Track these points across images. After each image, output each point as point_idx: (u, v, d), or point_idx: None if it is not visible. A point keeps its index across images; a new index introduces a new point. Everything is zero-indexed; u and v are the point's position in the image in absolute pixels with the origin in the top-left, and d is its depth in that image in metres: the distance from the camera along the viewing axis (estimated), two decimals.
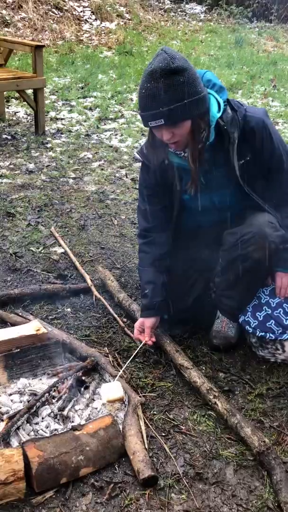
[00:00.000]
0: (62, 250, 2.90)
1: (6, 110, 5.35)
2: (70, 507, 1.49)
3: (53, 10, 9.21)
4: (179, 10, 12.26)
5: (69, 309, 2.41)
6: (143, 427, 1.74)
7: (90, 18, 9.61)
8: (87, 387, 1.89)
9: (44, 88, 4.85)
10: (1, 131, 4.80)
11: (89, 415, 1.77)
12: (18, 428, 1.66)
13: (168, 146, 1.82)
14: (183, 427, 1.79)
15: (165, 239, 2.12)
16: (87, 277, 2.59)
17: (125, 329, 2.26)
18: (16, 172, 3.98)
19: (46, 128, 4.87)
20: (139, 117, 1.78)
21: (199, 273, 2.22)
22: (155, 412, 1.84)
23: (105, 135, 4.91)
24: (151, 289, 2.06)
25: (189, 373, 1.93)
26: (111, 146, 4.63)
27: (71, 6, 9.53)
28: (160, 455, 1.68)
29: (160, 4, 11.99)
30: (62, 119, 5.30)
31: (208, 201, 2.01)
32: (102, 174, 4.03)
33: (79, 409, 1.80)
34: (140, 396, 1.87)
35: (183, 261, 2.19)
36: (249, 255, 1.93)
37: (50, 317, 2.34)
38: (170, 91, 1.63)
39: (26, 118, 5.27)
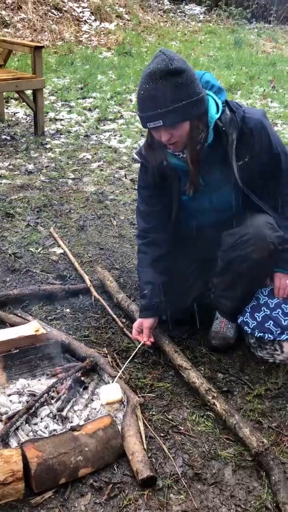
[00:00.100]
0: (61, 251, 2.91)
1: (6, 110, 5.35)
2: (69, 508, 1.50)
3: (53, 11, 9.22)
4: (178, 11, 12.27)
5: (68, 310, 2.42)
6: (142, 428, 1.74)
7: (90, 19, 9.61)
8: (86, 388, 1.89)
9: (44, 89, 4.85)
10: (0, 132, 4.80)
11: (88, 415, 1.78)
12: (17, 429, 1.66)
13: (166, 147, 1.82)
14: (182, 428, 1.79)
15: (164, 240, 2.12)
16: (86, 278, 2.59)
17: (124, 329, 2.26)
18: (15, 172, 3.98)
19: (45, 129, 4.87)
20: (138, 118, 1.79)
21: (198, 274, 2.22)
22: (154, 413, 1.84)
23: (104, 136, 4.91)
24: (149, 289, 2.06)
25: (188, 373, 1.93)
26: (110, 147, 4.63)
27: (71, 7, 9.54)
28: (159, 455, 1.68)
29: (160, 5, 12.00)
30: (61, 119, 5.30)
31: (207, 202, 2.02)
32: (101, 174, 4.04)
33: (78, 409, 1.80)
34: (139, 397, 1.87)
35: (182, 262, 2.20)
36: (247, 255, 1.93)
37: (49, 317, 2.35)
38: (168, 92, 1.64)
39: (26, 119, 5.27)
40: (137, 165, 3.94)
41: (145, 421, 1.79)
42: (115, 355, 2.12)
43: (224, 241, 2.02)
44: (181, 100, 1.66)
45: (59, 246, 2.96)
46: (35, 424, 1.72)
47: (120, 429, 1.69)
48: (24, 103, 4.98)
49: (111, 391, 1.80)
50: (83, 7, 9.76)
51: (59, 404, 1.77)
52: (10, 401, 1.80)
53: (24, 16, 8.77)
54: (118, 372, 1.92)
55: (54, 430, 1.69)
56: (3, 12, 8.64)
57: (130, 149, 4.58)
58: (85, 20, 9.54)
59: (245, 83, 7.11)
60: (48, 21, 8.92)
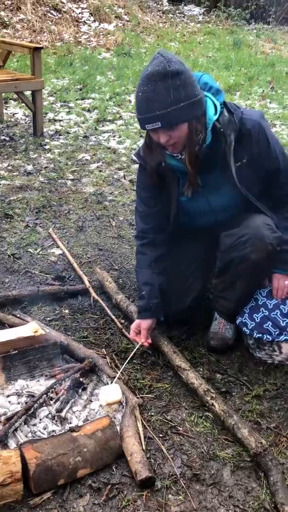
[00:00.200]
0: (60, 252, 2.91)
1: (5, 111, 5.36)
2: (68, 509, 1.50)
3: (52, 11, 9.22)
4: (177, 11, 12.29)
5: (67, 311, 2.42)
6: (140, 429, 1.74)
7: (89, 20, 9.62)
8: (84, 389, 1.90)
9: (43, 90, 4.86)
10: None
11: (86, 416, 1.78)
12: (15, 430, 1.67)
13: (165, 148, 1.83)
14: (181, 428, 1.79)
15: (163, 241, 2.13)
16: (85, 279, 2.59)
17: (123, 330, 2.26)
18: (14, 173, 3.98)
19: (44, 130, 4.87)
20: (136, 119, 1.80)
21: (197, 274, 2.22)
22: (152, 414, 1.84)
23: (103, 137, 4.92)
24: (148, 290, 2.07)
25: (187, 374, 1.93)
26: (109, 148, 4.64)
27: (70, 8, 9.55)
28: (157, 456, 1.68)
29: (159, 6, 12.02)
30: (60, 120, 5.31)
31: (205, 203, 2.02)
32: (100, 175, 4.04)
33: (77, 410, 1.80)
34: (137, 398, 1.87)
35: (181, 262, 2.20)
36: (246, 256, 1.94)
37: (48, 318, 2.35)
38: (166, 94, 1.65)
39: (25, 120, 5.27)
40: (136, 166, 3.94)
41: (143, 421, 1.79)
42: (114, 356, 2.12)
43: (222, 242, 2.03)
44: (179, 102, 1.66)
45: (58, 247, 2.96)
46: (34, 425, 1.72)
47: (118, 430, 1.69)
48: (23, 104, 4.98)
49: (110, 391, 1.81)
50: (82, 8, 9.76)
51: (58, 405, 1.77)
52: (9, 402, 1.80)
53: (23, 17, 8.78)
54: (117, 373, 1.92)
55: (53, 431, 1.69)
56: (2, 13, 8.64)
57: (129, 150, 4.59)
58: (84, 21, 9.55)
59: (244, 84, 7.11)
60: (47, 22, 8.93)
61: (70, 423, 1.73)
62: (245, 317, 2.09)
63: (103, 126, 5.25)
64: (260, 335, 2.04)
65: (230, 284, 2.06)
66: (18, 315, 2.29)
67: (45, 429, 1.70)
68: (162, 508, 1.51)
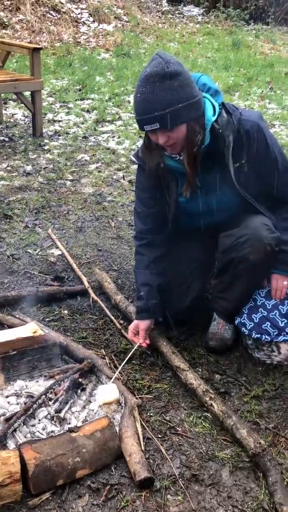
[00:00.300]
0: (59, 252, 2.91)
1: (4, 112, 5.36)
2: (67, 509, 1.50)
3: (51, 12, 9.22)
4: (176, 12, 12.30)
5: (66, 311, 2.42)
6: (139, 429, 1.74)
7: (88, 20, 9.62)
8: (83, 389, 1.90)
9: (42, 90, 4.86)
10: None
11: (85, 417, 1.78)
12: (14, 430, 1.67)
13: (163, 149, 1.83)
14: (179, 429, 1.79)
15: (162, 241, 2.13)
16: (84, 279, 2.59)
17: (122, 331, 2.26)
18: (14, 174, 3.98)
19: (44, 130, 4.88)
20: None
21: (196, 275, 2.22)
22: (151, 414, 1.85)
23: (103, 137, 4.92)
24: (146, 291, 2.07)
25: (185, 375, 1.94)
26: (109, 148, 4.64)
27: (69, 8, 9.55)
28: (156, 456, 1.69)
29: (158, 7, 12.02)
30: (59, 121, 5.31)
31: (204, 204, 2.02)
32: (99, 176, 4.04)
33: (76, 411, 1.80)
34: (136, 398, 1.87)
35: (180, 263, 2.20)
36: (244, 257, 1.94)
37: (47, 319, 2.35)
38: (165, 95, 1.65)
39: (24, 120, 5.28)
40: (135, 167, 3.94)
41: (142, 422, 1.79)
42: (113, 356, 2.12)
43: (221, 243, 2.03)
44: (177, 103, 1.66)
45: (57, 247, 2.96)
46: (33, 425, 1.72)
47: (117, 431, 1.69)
48: (23, 105, 4.98)
49: (108, 391, 1.81)
50: (82, 9, 9.77)
51: (57, 405, 1.77)
52: (8, 402, 1.80)
53: (22, 18, 8.78)
54: (116, 373, 1.92)
55: (52, 431, 1.69)
56: (1, 13, 8.64)
57: (128, 151, 4.59)
58: (83, 22, 9.56)
59: (243, 84, 7.12)
60: (46, 23, 8.93)
61: (69, 423, 1.73)
62: (243, 317, 2.09)
63: (102, 126, 5.25)
64: (258, 335, 2.04)
65: (229, 284, 2.06)
66: (17, 316, 2.29)
67: (44, 429, 1.70)
68: (161, 509, 1.51)
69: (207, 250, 2.16)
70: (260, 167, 1.92)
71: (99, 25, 9.60)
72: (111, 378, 1.89)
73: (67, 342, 2.08)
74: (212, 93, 1.83)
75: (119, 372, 2.00)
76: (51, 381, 1.88)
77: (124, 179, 4.02)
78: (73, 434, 1.62)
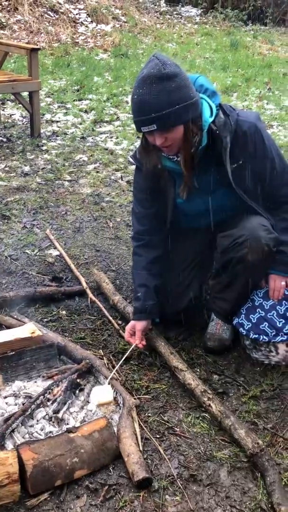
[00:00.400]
0: (57, 253, 2.91)
1: (2, 112, 5.36)
2: (65, 510, 1.50)
3: (49, 12, 9.22)
4: (174, 12, 12.31)
5: (64, 312, 2.42)
6: (137, 429, 1.75)
7: (86, 21, 9.63)
8: (82, 390, 1.90)
9: (40, 91, 4.86)
10: None
11: (84, 417, 1.78)
12: (13, 431, 1.67)
13: (161, 150, 1.83)
14: (178, 429, 1.79)
15: (159, 242, 2.13)
16: (82, 280, 2.59)
17: (120, 331, 2.26)
18: (12, 174, 3.98)
19: (42, 131, 4.87)
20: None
21: (194, 275, 2.23)
22: (149, 414, 1.85)
23: (101, 138, 4.92)
24: (143, 292, 2.07)
25: (184, 375, 1.94)
26: (107, 149, 4.64)
27: (67, 9, 9.55)
28: (154, 457, 1.69)
29: (156, 7, 12.03)
30: (57, 121, 5.31)
31: (202, 205, 2.03)
32: (97, 176, 4.04)
33: (74, 411, 1.80)
34: (134, 398, 1.87)
35: (178, 263, 2.21)
36: (242, 257, 1.94)
37: (45, 319, 2.35)
38: (162, 96, 1.65)
39: (22, 121, 5.27)
40: (133, 167, 3.95)
41: (140, 422, 1.80)
42: (111, 357, 2.12)
43: (219, 243, 2.04)
44: (174, 104, 1.67)
45: (55, 248, 2.96)
46: (31, 426, 1.72)
47: (116, 431, 1.69)
48: (20, 105, 4.98)
49: (102, 392, 1.81)
50: (80, 9, 9.77)
51: (55, 406, 1.77)
52: (6, 403, 1.80)
53: (20, 18, 8.78)
54: (113, 374, 1.92)
55: (50, 432, 1.69)
56: None
57: (126, 151, 4.59)
58: (81, 22, 9.56)
59: (241, 85, 7.13)
60: (44, 23, 8.93)
61: (67, 424, 1.74)
62: (241, 317, 2.09)
63: (100, 127, 5.25)
64: (256, 335, 2.05)
65: (227, 285, 2.06)
66: (15, 316, 2.29)
67: (42, 430, 1.70)
68: (159, 509, 1.51)
69: (205, 250, 2.16)
70: (257, 168, 1.92)
71: (97, 25, 9.60)
72: (110, 379, 1.89)
73: (65, 343, 2.08)
74: (209, 94, 1.83)
75: (118, 373, 2.00)
76: (49, 382, 1.88)
77: (122, 180, 4.02)
78: (71, 435, 1.62)
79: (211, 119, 1.79)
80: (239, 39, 10.16)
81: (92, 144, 4.75)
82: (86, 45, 8.88)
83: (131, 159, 2.11)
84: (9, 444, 1.63)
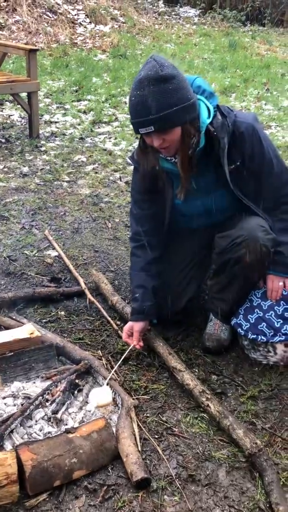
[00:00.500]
0: (56, 253, 2.91)
1: (0, 113, 5.36)
2: (64, 510, 1.50)
3: (48, 13, 9.23)
4: (173, 13, 12.32)
5: (62, 312, 2.42)
6: (136, 430, 1.75)
7: (85, 21, 9.63)
8: (80, 390, 1.90)
9: (38, 92, 4.86)
10: None
11: (82, 418, 1.78)
12: (11, 432, 1.67)
13: (159, 151, 1.84)
14: (176, 429, 1.80)
15: (157, 243, 2.14)
16: (81, 280, 2.60)
17: (119, 332, 2.27)
18: (10, 175, 3.98)
19: (40, 131, 4.88)
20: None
21: (192, 276, 2.23)
22: (148, 415, 1.85)
23: (99, 138, 4.93)
24: (141, 293, 2.07)
25: (182, 375, 1.94)
26: (105, 149, 4.65)
27: (66, 10, 9.55)
28: (153, 457, 1.69)
29: (154, 8, 12.04)
30: (56, 122, 5.31)
31: (200, 206, 2.03)
32: (96, 177, 4.05)
33: (73, 412, 1.80)
34: (133, 399, 1.88)
35: (176, 263, 2.21)
36: (240, 258, 1.95)
37: (44, 320, 2.35)
38: (159, 98, 1.66)
39: (20, 121, 5.28)
40: (132, 168, 3.95)
41: (139, 423, 1.80)
42: (109, 357, 2.13)
43: (217, 244, 2.04)
44: (172, 106, 1.67)
45: (54, 248, 2.96)
46: (30, 426, 1.72)
47: (114, 431, 1.70)
48: (19, 106, 4.98)
49: (101, 394, 1.81)
50: (78, 10, 9.78)
51: (53, 406, 1.77)
52: (5, 404, 1.80)
53: (19, 19, 8.78)
54: (112, 374, 1.93)
55: (49, 432, 1.69)
56: None
57: (125, 152, 4.60)
58: (80, 23, 9.56)
59: (240, 85, 7.14)
60: (43, 24, 8.93)
61: (66, 424, 1.74)
62: (239, 318, 2.10)
63: (99, 128, 5.26)
64: (254, 336, 2.05)
65: (225, 285, 2.07)
66: (14, 317, 2.29)
67: (41, 430, 1.71)
68: (157, 509, 1.52)
69: (203, 251, 2.17)
70: (255, 169, 1.93)
71: (95, 26, 9.61)
72: (108, 379, 1.89)
73: (63, 343, 2.08)
74: (207, 96, 1.84)
75: (116, 373, 2.00)
76: (48, 383, 1.88)
77: (120, 180, 4.03)
78: (70, 435, 1.62)
79: (208, 121, 1.80)
80: (238, 39, 10.17)
81: (91, 144, 4.75)
82: (85, 46, 8.89)
83: (129, 160, 2.11)
84: (8, 445, 1.63)
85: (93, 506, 1.52)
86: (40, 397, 1.79)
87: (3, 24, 8.50)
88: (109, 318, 2.35)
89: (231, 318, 2.14)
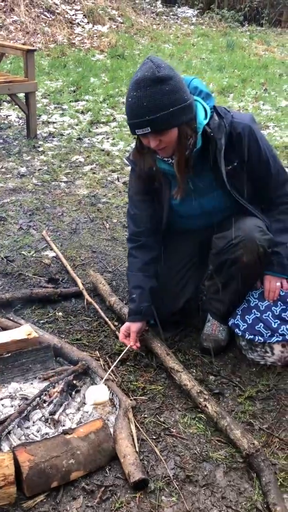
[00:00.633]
0: (54, 254, 2.91)
1: None
2: (61, 511, 1.50)
3: (45, 13, 9.22)
4: (171, 13, 12.32)
5: (60, 313, 2.42)
6: (134, 430, 1.75)
7: (82, 22, 9.63)
8: (78, 391, 1.90)
9: (36, 92, 4.86)
10: None
11: (80, 418, 1.78)
12: (9, 433, 1.67)
13: (156, 152, 1.84)
14: (174, 430, 1.80)
15: (155, 244, 2.14)
16: (79, 281, 2.60)
17: (116, 332, 2.26)
18: (8, 176, 3.98)
19: (38, 132, 4.87)
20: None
21: (190, 276, 2.23)
22: (146, 415, 1.85)
23: (97, 139, 4.93)
24: (138, 294, 2.07)
25: (180, 376, 1.94)
26: (103, 150, 4.64)
27: (63, 10, 9.55)
28: (150, 458, 1.69)
29: (152, 8, 12.05)
30: (54, 122, 5.31)
31: (197, 206, 2.03)
32: (93, 177, 4.05)
33: (70, 413, 1.80)
34: (131, 400, 1.88)
35: (174, 264, 2.21)
36: (237, 259, 1.95)
37: (42, 321, 2.35)
38: (156, 99, 1.66)
39: (18, 122, 5.27)
40: (129, 168, 3.95)
41: (137, 423, 1.80)
42: (107, 358, 2.13)
43: (214, 245, 2.04)
44: (168, 107, 1.67)
45: (51, 249, 2.96)
46: (27, 427, 1.72)
47: (112, 432, 1.70)
48: (17, 106, 4.98)
49: (98, 392, 1.81)
50: (76, 10, 9.77)
51: (51, 407, 1.77)
52: (2, 405, 1.80)
53: (16, 19, 8.77)
54: (109, 375, 1.93)
55: (46, 433, 1.69)
56: None
57: (122, 152, 4.60)
58: (78, 23, 9.56)
59: (238, 85, 7.14)
60: (40, 24, 8.93)
61: (64, 425, 1.74)
62: (237, 318, 2.10)
63: (96, 128, 5.26)
64: (252, 336, 2.05)
65: (223, 286, 2.07)
66: (11, 318, 2.29)
67: (38, 431, 1.70)
68: (155, 510, 1.52)
69: (201, 251, 2.17)
70: (252, 169, 1.93)
71: (93, 26, 9.60)
72: (106, 380, 1.89)
73: (61, 344, 2.08)
74: (203, 97, 1.84)
75: (114, 374, 2.00)
76: (45, 383, 1.88)
77: (118, 181, 4.03)
78: (68, 436, 1.62)
79: (205, 122, 1.80)
80: (235, 40, 10.18)
81: (89, 145, 4.75)
82: (83, 46, 8.88)
83: (126, 161, 2.12)
84: (5, 446, 1.63)
85: (90, 507, 1.52)
86: (38, 398, 1.78)
87: (0, 24, 8.49)
88: (107, 319, 2.35)
89: (228, 319, 2.15)
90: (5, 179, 3.90)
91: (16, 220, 3.31)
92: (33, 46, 7.86)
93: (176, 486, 1.60)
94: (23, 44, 7.79)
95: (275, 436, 1.80)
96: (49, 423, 1.74)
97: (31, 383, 1.92)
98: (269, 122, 5.70)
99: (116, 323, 2.34)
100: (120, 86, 6.67)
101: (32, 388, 1.89)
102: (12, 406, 1.79)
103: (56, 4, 9.49)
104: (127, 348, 2.06)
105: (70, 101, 5.95)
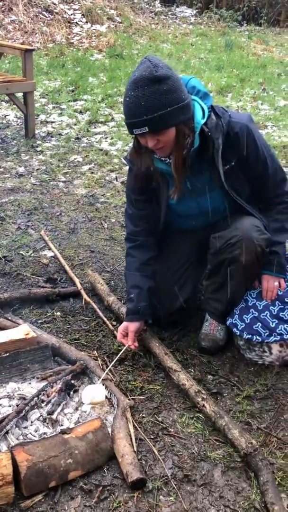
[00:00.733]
0: (52, 254, 2.91)
1: None
2: (59, 511, 1.50)
3: (44, 13, 9.21)
4: (169, 13, 12.32)
5: (58, 313, 2.42)
6: (132, 430, 1.75)
7: (81, 21, 9.62)
8: (76, 391, 1.90)
9: (34, 91, 4.85)
10: None
11: (78, 418, 1.78)
12: (7, 433, 1.67)
13: (153, 152, 1.84)
14: (172, 430, 1.80)
15: (153, 243, 2.14)
16: (77, 281, 2.60)
17: (115, 332, 2.26)
18: (6, 175, 3.98)
19: (36, 132, 4.87)
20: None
21: (188, 276, 2.23)
22: (144, 415, 1.85)
23: (95, 138, 4.92)
24: (136, 293, 2.07)
25: (178, 375, 1.94)
26: (101, 149, 4.64)
27: (62, 9, 9.54)
28: (148, 457, 1.69)
29: (151, 7, 12.04)
30: (52, 122, 5.30)
31: (195, 206, 2.03)
32: (92, 177, 4.05)
33: (68, 412, 1.80)
34: (129, 399, 1.88)
35: (172, 264, 2.21)
36: (235, 258, 1.95)
37: (40, 321, 2.35)
38: (153, 99, 1.66)
39: (16, 121, 5.27)
40: (127, 168, 3.95)
41: (135, 423, 1.80)
42: (105, 358, 2.13)
43: (212, 244, 2.04)
44: (166, 107, 1.67)
45: (49, 249, 2.96)
46: (25, 427, 1.72)
47: (110, 432, 1.70)
48: (15, 106, 4.97)
49: (95, 391, 1.81)
50: (74, 9, 9.76)
51: (49, 407, 1.77)
52: (0, 405, 1.80)
53: (15, 18, 8.77)
54: (107, 374, 1.93)
55: (44, 433, 1.69)
56: None
57: (121, 152, 4.60)
58: (76, 22, 9.55)
59: (236, 85, 7.14)
60: (39, 23, 8.92)
61: (62, 425, 1.74)
62: (235, 318, 2.10)
63: (95, 127, 5.26)
64: (250, 336, 2.06)
65: (220, 285, 2.07)
66: (9, 318, 2.29)
67: (36, 431, 1.70)
68: (153, 509, 1.52)
69: (199, 251, 2.17)
70: (249, 169, 1.93)
71: (92, 26, 9.60)
72: (104, 379, 1.89)
73: (59, 344, 2.08)
74: (201, 96, 1.84)
75: (112, 373, 2.00)
76: (43, 383, 1.88)
77: (116, 180, 4.02)
78: (66, 436, 1.62)
79: (203, 121, 1.80)
80: (234, 39, 10.19)
81: (87, 144, 4.75)
82: (81, 46, 8.88)
83: (124, 161, 2.12)
84: (3, 446, 1.63)
85: (88, 507, 1.52)
86: (36, 398, 1.78)
87: None
88: (105, 319, 2.35)
89: (226, 318, 2.15)
90: (3, 179, 3.90)
91: (14, 219, 3.30)
92: (32, 45, 7.85)
93: (174, 485, 1.60)
94: (22, 43, 7.78)
95: (273, 435, 1.80)
96: (47, 423, 1.74)
97: (29, 383, 1.92)
98: (268, 122, 5.70)
99: (114, 323, 2.34)
100: (118, 85, 6.66)
101: (30, 387, 1.89)
102: (10, 406, 1.79)
103: (55, 4, 9.48)
104: (125, 347, 2.06)
105: (69, 101, 5.95)
